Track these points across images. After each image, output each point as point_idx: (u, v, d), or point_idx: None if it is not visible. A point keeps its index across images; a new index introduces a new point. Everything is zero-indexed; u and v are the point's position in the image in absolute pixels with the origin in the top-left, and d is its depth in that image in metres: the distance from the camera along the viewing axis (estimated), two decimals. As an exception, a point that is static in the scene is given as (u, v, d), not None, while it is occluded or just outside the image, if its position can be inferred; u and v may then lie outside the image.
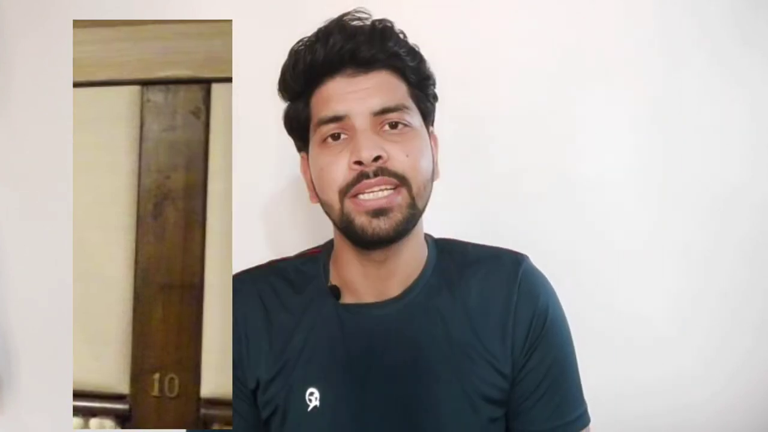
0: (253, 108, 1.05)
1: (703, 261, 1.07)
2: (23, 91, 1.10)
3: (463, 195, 1.06)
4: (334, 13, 0.76)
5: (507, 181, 1.08)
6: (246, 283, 0.83)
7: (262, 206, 1.09)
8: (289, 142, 0.85)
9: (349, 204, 0.72)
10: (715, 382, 1.07)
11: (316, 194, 0.79)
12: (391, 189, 0.72)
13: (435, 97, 0.82)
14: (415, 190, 0.73)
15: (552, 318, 0.80)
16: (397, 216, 0.72)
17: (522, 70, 1.07)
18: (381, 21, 0.76)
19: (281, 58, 0.79)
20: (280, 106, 0.82)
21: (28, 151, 1.10)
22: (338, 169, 0.72)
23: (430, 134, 0.81)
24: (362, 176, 0.71)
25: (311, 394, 0.76)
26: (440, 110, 0.84)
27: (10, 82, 1.10)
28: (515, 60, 1.07)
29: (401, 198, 0.72)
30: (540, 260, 0.84)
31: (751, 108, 1.06)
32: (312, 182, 0.80)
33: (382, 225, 0.71)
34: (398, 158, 0.72)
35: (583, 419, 0.80)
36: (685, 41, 1.06)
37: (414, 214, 0.74)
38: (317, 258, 0.85)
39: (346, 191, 0.72)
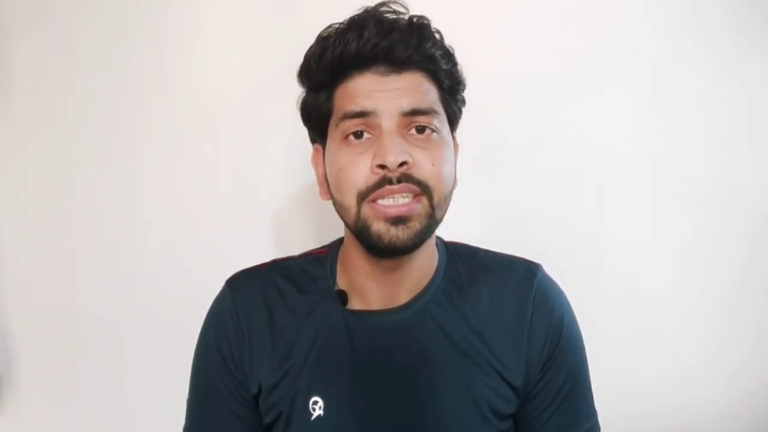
0: (260, 107, 1.05)
1: (703, 261, 1.07)
2: (23, 91, 1.10)
3: (465, 194, 1.06)
4: (334, 13, 0.73)
5: (508, 181, 1.08)
6: (247, 281, 0.80)
7: (270, 206, 1.09)
8: (297, 142, 0.83)
9: (367, 209, 0.68)
10: (715, 382, 1.07)
11: (327, 190, 0.75)
12: (411, 196, 0.68)
13: (463, 102, 0.78)
14: (436, 200, 0.69)
15: (567, 330, 0.77)
16: (415, 226, 0.68)
17: (522, 72, 1.07)
18: (419, 18, 0.71)
19: (289, 57, 0.76)
20: (289, 105, 0.79)
21: (28, 151, 1.10)
22: (359, 170, 0.68)
23: (454, 140, 0.77)
24: (385, 181, 0.67)
25: (315, 402, 0.73)
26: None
27: (10, 82, 1.09)
28: (515, 61, 1.07)
29: (421, 207, 0.69)
30: (540, 261, 0.83)
31: (750, 108, 1.06)
32: (324, 177, 0.75)
33: (400, 234, 0.67)
34: (424, 166, 0.68)
35: (595, 429, 0.79)
36: (685, 41, 1.06)
37: (431, 225, 0.70)
38: (323, 258, 0.81)
39: (365, 195, 0.68)
